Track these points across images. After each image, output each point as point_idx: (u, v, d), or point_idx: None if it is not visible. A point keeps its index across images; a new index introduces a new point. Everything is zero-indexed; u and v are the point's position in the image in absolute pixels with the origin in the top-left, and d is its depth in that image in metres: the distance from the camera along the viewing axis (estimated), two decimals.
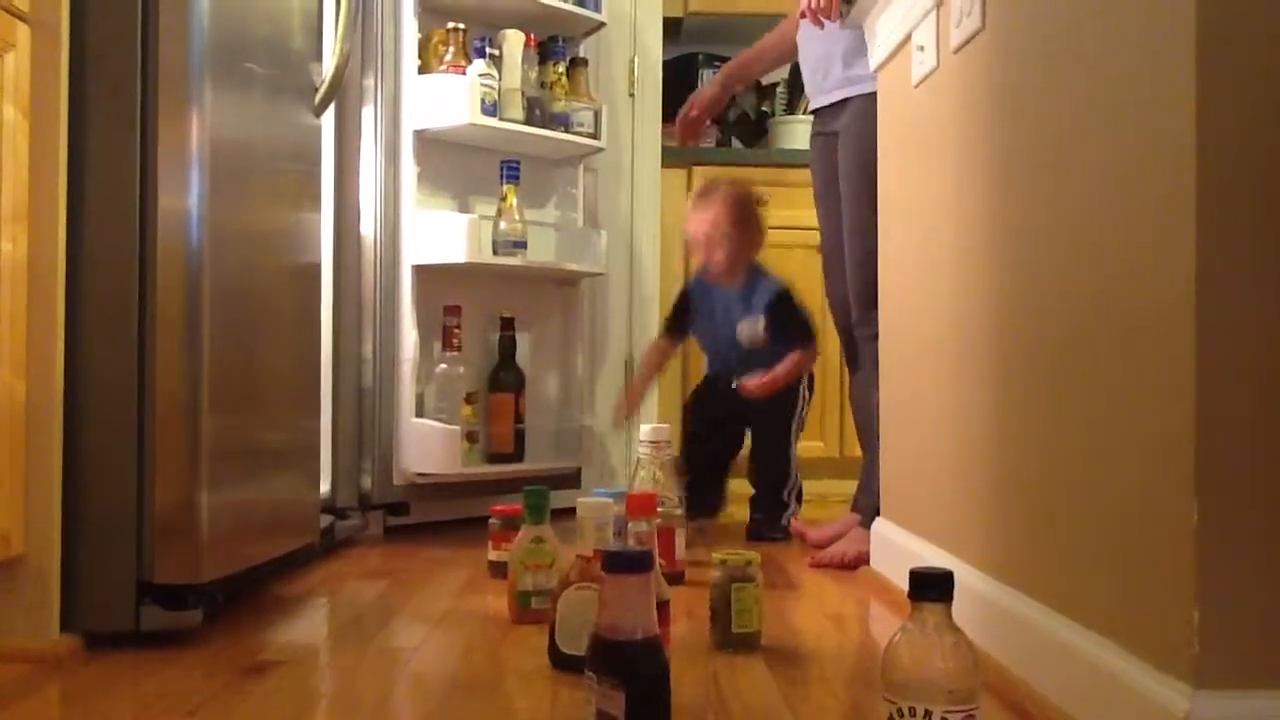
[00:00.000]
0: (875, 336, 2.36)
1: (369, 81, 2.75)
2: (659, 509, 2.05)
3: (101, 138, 1.63)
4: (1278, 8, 1.05)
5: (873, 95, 2.35)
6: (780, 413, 2.84)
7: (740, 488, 2.94)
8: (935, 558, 1.82)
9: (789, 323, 2.81)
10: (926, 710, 1.00)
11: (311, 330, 2.16)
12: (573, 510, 1.59)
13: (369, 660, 1.65)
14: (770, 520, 2.78)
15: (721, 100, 3.08)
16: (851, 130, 2.50)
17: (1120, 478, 1.21)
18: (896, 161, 2.26)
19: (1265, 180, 1.05)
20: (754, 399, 2.79)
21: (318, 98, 2.12)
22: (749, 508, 2.85)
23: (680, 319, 2.99)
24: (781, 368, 2.76)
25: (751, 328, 2.82)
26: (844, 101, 2.53)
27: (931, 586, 1.03)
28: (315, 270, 2.19)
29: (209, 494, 1.66)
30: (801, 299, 2.88)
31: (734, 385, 2.81)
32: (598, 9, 3.07)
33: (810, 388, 2.94)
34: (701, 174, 3.73)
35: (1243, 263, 1.05)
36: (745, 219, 2.85)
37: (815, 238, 3.69)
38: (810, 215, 3.72)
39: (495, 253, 2.80)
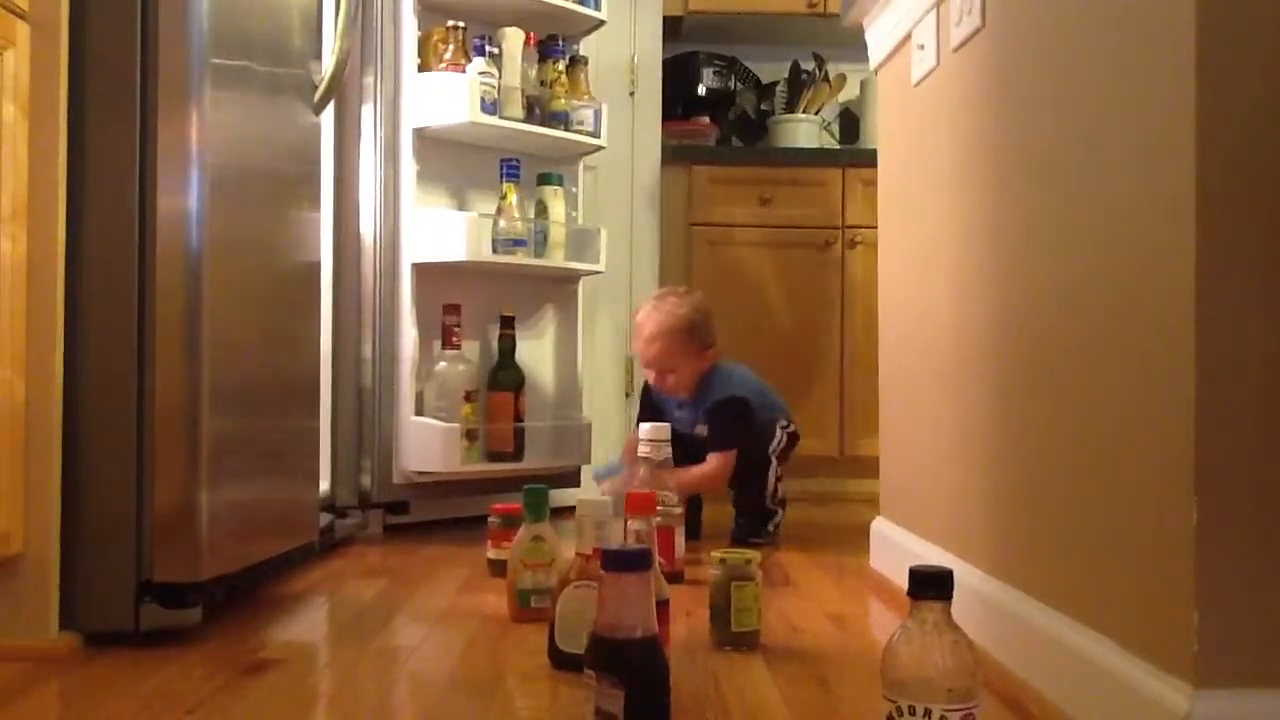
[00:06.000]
0: None
1: (368, 80, 2.75)
2: (658, 508, 2.06)
3: (101, 136, 1.63)
4: (1278, 7, 1.05)
5: None
6: (754, 454, 2.76)
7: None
8: (935, 556, 1.82)
9: (717, 430, 2.72)
10: (926, 708, 1.00)
11: (311, 329, 2.16)
12: (572, 509, 1.59)
13: (368, 659, 1.65)
14: (756, 525, 2.74)
15: None
16: None
17: (1120, 477, 1.21)
18: (896, 160, 2.26)
19: (1265, 180, 1.05)
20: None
21: (317, 96, 2.12)
22: (734, 511, 2.80)
23: (648, 414, 2.84)
24: (693, 473, 2.65)
25: (703, 431, 2.76)
26: None
27: (931, 585, 1.03)
28: (315, 269, 2.19)
29: (209, 493, 1.66)
30: (743, 407, 2.74)
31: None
32: (598, 7, 3.06)
33: (789, 435, 2.82)
34: (701, 173, 3.73)
35: (1242, 262, 1.05)
36: (692, 342, 2.74)
37: (816, 236, 3.72)
38: (810, 213, 3.74)
39: (495, 251, 2.80)
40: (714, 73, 4.07)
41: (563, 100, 2.95)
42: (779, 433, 2.81)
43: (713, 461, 2.70)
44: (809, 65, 4.13)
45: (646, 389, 2.92)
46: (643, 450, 2.34)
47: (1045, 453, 1.44)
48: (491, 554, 2.23)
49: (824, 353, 3.71)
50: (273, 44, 1.95)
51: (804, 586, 2.21)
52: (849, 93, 4.21)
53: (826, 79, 4.13)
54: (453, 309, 2.82)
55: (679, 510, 2.26)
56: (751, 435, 2.75)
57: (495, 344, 2.93)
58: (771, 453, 2.78)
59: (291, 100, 2.04)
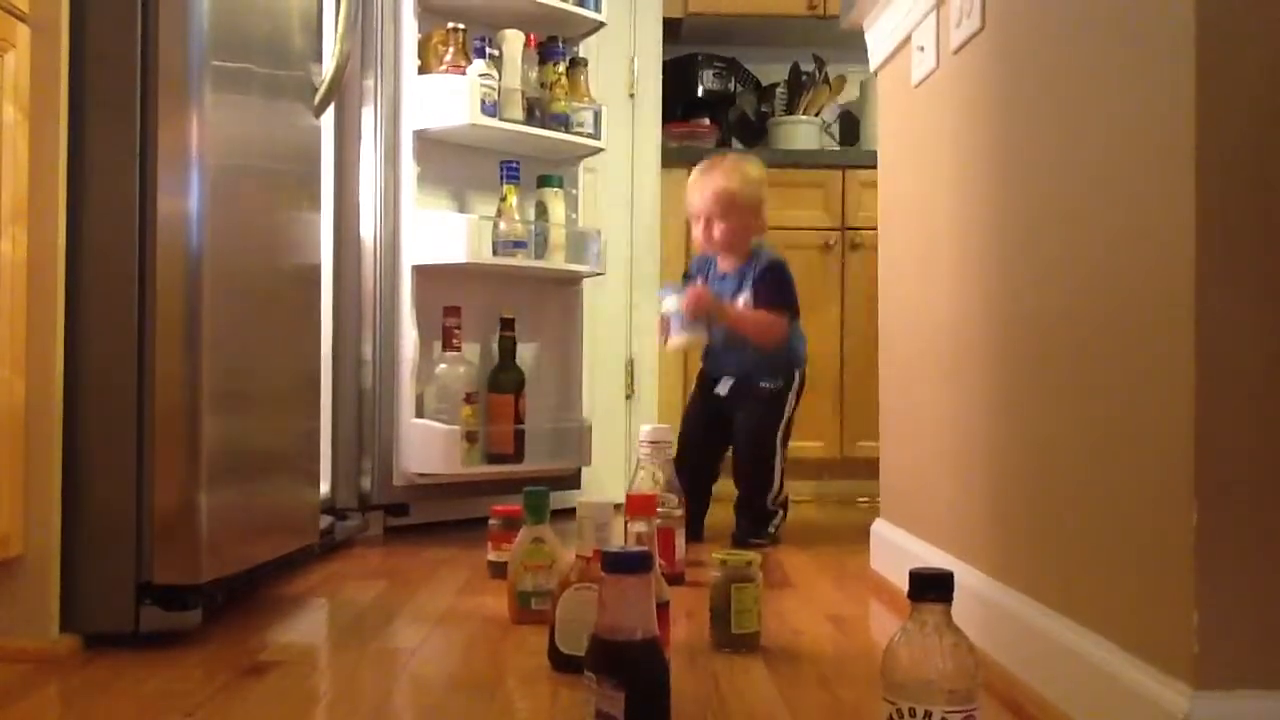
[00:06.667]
0: None
1: (369, 82, 2.75)
2: (659, 509, 2.06)
3: (101, 138, 1.63)
4: (1277, 8, 1.05)
5: None
6: (765, 422, 2.78)
7: (724, 488, 2.89)
8: (935, 558, 1.82)
9: (769, 288, 2.78)
10: (926, 711, 1.00)
11: (311, 331, 2.16)
12: (572, 511, 1.59)
13: (368, 661, 1.65)
14: (756, 527, 2.74)
15: None
16: None
17: (1120, 478, 1.21)
18: (896, 162, 2.26)
19: (1265, 180, 1.05)
20: (739, 406, 2.78)
21: (317, 98, 2.12)
22: (734, 513, 2.79)
23: None
24: (749, 313, 2.77)
25: (745, 302, 2.80)
26: None
27: (931, 587, 1.03)
28: (315, 271, 2.18)
29: (209, 494, 1.66)
30: (790, 274, 2.85)
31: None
32: (597, 9, 3.07)
33: (798, 396, 2.85)
34: None
35: (1242, 262, 1.05)
36: (750, 198, 2.80)
37: (816, 237, 3.73)
38: (810, 215, 3.75)
39: (495, 253, 2.80)
40: (714, 74, 4.08)
41: (563, 102, 2.95)
42: (788, 404, 2.81)
43: (770, 315, 2.76)
44: (809, 67, 4.13)
45: (686, 274, 2.98)
46: (643, 451, 2.34)
47: (1045, 454, 1.44)
48: (492, 556, 2.23)
49: (824, 354, 3.71)
50: (273, 46, 1.95)
51: (804, 588, 2.21)
52: (849, 94, 4.22)
53: (826, 81, 4.14)
54: (453, 311, 2.82)
55: (679, 512, 2.26)
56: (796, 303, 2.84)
57: (495, 346, 2.93)
58: (780, 439, 2.77)
59: (292, 102, 2.04)
